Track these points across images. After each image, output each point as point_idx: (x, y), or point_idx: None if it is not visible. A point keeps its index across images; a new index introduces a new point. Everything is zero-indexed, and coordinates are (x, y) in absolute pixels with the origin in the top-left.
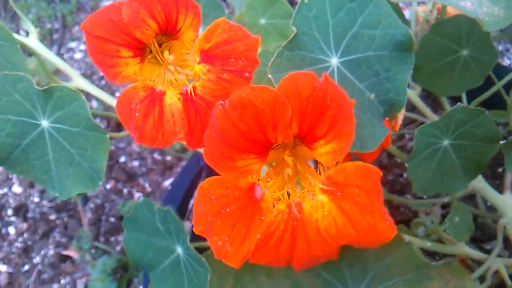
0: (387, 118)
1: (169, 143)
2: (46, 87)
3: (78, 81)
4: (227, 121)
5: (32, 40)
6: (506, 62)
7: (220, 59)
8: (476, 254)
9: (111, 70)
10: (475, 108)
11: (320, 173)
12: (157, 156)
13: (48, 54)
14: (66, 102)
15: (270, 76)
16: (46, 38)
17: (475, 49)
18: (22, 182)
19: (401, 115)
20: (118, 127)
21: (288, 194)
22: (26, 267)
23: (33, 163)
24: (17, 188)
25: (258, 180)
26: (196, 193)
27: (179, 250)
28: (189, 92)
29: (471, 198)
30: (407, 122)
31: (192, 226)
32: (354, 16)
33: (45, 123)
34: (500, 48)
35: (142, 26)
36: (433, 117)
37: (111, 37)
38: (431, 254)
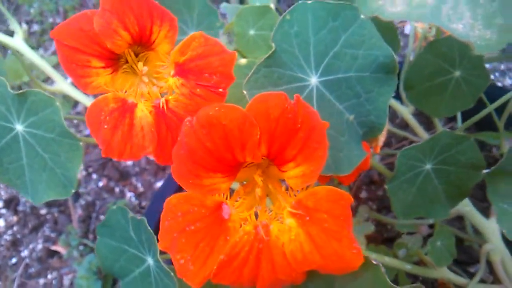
0: (366, 141)
1: (138, 157)
2: (20, 91)
3: (62, 85)
4: (194, 139)
5: (17, 41)
6: (507, 81)
7: (194, 74)
8: (457, 279)
9: (82, 80)
10: (460, 134)
11: (291, 196)
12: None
13: (33, 56)
14: (40, 108)
15: (245, 92)
16: (47, 32)
17: (468, 71)
18: None
19: (382, 137)
20: None
21: (256, 215)
22: (14, 260)
23: (6, 167)
24: None
25: (226, 198)
26: (163, 208)
27: (150, 261)
28: (161, 105)
29: (458, 220)
30: (400, 139)
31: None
32: (337, 35)
33: (19, 127)
34: (502, 67)
35: (114, 37)
36: (424, 136)
37: (82, 47)
38: (413, 276)
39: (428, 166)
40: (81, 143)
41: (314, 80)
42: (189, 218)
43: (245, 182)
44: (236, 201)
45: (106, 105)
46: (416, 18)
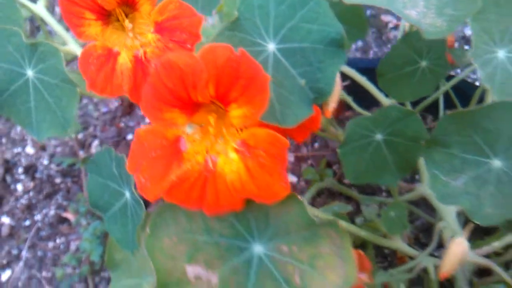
0: (318, 105)
1: (116, 94)
2: (32, 41)
3: (72, 46)
4: (157, 78)
5: (39, 6)
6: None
7: (169, 31)
8: (410, 250)
9: (77, 29)
10: (407, 109)
11: (237, 136)
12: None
13: (49, 19)
14: (47, 57)
15: None
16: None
17: (432, 61)
18: (35, 144)
19: (333, 103)
20: (130, 106)
21: (208, 151)
22: (27, 223)
23: (19, 108)
24: (30, 149)
25: (185, 135)
26: (134, 138)
27: (127, 194)
28: (140, 55)
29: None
30: None
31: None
32: (295, 10)
33: (30, 73)
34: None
35: None
36: None
37: (77, 0)
38: (379, 248)
39: (379, 137)
40: (78, 89)
41: (271, 46)
42: (152, 146)
43: (202, 125)
44: (193, 138)
45: (95, 51)
46: (372, 2)
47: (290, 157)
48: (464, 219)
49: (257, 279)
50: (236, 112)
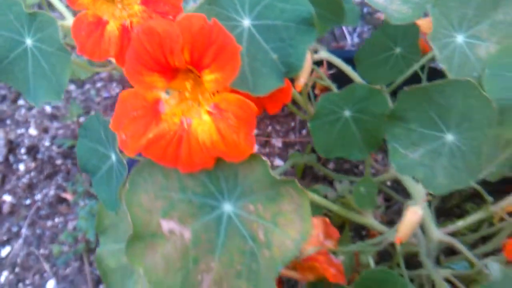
0: (290, 79)
1: (103, 58)
2: (31, 11)
3: (69, 20)
4: (138, 43)
5: None
6: None
7: (153, 3)
8: (379, 226)
9: None
10: (373, 88)
11: (210, 100)
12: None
13: None
14: (45, 26)
15: None
16: None
17: (405, 48)
18: (38, 126)
19: (303, 78)
20: None
21: (184, 113)
22: (28, 201)
23: (16, 75)
24: (33, 131)
25: (164, 98)
26: (117, 99)
27: (113, 157)
28: (126, 24)
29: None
30: None
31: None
32: None
33: (29, 41)
34: None
35: None
36: None
37: None
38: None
39: (347, 113)
40: (70, 56)
41: (247, 22)
42: (133, 107)
43: (180, 91)
44: (171, 102)
45: (86, 19)
46: None
47: (278, 143)
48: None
49: (226, 236)
50: (208, 77)
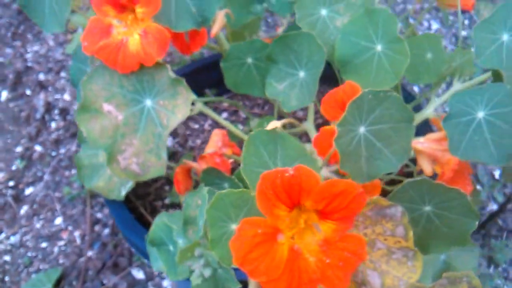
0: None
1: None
2: None
3: None
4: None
5: None
6: None
7: None
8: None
9: None
10: (264, 41)
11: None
12: None
13: None
14: None
15: None
16: None
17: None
18: (72, 93)
19: (215, 28)
20: None
21: (125, 34)
22: (53, 153)
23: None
24: (67, 97)
25: (114, 25)
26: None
27: (87, 68)
28: None
29: None
30: None
31: None
32: None
33: None
34: None
35: None
36: None
37: None
38: None
39: (250, 60)
40: None
41: None
42: (94, 26)
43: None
44: (119, 27)
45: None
46: None
47: (243, 114)
48: None
49: (146, 122)
50: (139, 10)
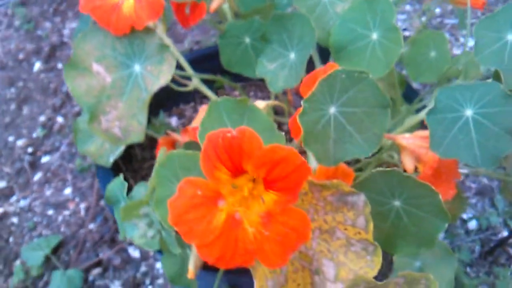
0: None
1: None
2: None
3: None
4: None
5: None
6: None
7: None
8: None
9: None
10: (263, 21)
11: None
12: None
13: None
14: None
15: None
16: None
17: None
18: None
19: (215, 3)
20: None
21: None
22: (77, 108)
23: None
24: None
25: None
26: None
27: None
28: None
29: None
30: None
31: None
32: None
33: None
34: None
35: None
36: None
37: None
38: None
39: (247, 40)
40: None
41: None
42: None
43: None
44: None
45: None
46: None
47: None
48: None
49: (132, 87)
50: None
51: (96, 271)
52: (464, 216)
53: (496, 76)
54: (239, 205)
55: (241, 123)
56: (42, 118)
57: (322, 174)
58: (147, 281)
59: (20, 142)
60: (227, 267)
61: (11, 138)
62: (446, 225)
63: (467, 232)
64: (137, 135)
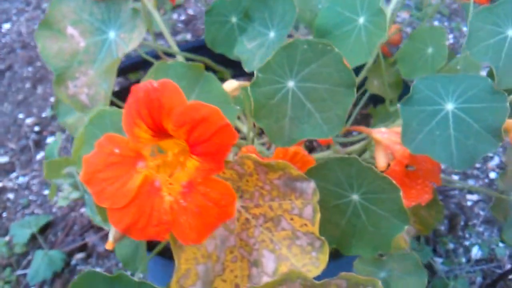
0: None
1: None
2: None
3: None
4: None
5: None
6: None
7: None
8: None
9: None
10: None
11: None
12: None
13: None
14: None
15: None
16: None
17: None
18: None
19: None
20: None
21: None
22: None
23: None
24: None
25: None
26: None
27: None
28: None
29: None
30: None
31: None
32: None
33: None
34: None
35: None
36: None
37: None
38: None
39: (234, 19)
40: None
41: None
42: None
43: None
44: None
45: None
46: None
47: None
48: None
49: (105, 53)
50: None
51: (80, 255)
52: (467, 243)
53: (491, 74)
54: (162, 170)
55: (191, 92)
56: (53, 99)
57: (278, 158)
58: (129, 272)
59: (28, 120)
60: (138, 238)
61: (21, 115)
62: (406, 227)
63: (469, 260)
64: (103, 103)
